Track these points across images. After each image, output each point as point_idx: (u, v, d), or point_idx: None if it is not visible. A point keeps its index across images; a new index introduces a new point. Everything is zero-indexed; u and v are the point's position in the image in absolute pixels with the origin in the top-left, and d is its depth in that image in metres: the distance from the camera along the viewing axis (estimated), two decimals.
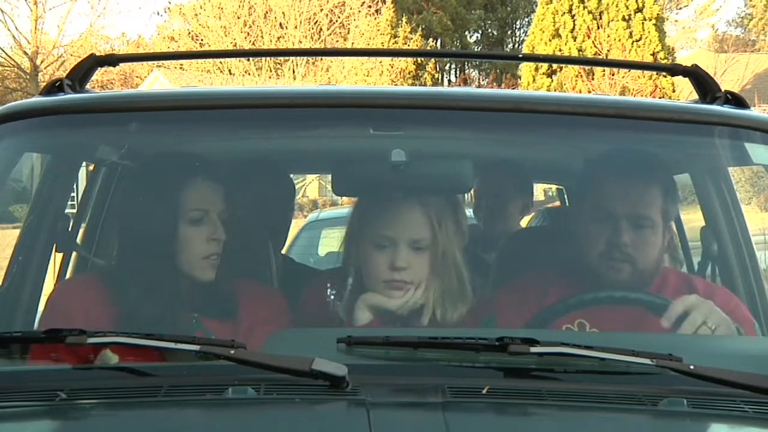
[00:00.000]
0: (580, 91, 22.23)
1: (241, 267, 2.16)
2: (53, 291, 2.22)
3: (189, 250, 2.01)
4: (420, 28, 34.53)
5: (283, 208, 2.95)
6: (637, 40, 25.63)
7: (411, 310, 2.06)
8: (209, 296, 2.04)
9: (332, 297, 2.19)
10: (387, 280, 2.05)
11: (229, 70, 26.65)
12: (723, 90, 2.09)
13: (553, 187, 4.84)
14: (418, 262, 2.06)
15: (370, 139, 2.16)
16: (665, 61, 22.59)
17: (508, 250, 2.74)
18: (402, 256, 2.04)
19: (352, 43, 27.31)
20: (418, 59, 33.28)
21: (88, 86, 2.13)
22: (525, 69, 27.99)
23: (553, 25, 26.51)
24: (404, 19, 33.49)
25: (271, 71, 27.04)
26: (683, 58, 31.94)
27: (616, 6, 25.68)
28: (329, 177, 2.51)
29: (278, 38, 26.96)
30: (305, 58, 26.35)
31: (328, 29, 27.66)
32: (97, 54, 2.19)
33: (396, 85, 27.34)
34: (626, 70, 22.82)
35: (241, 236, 2.24)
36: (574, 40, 26.04)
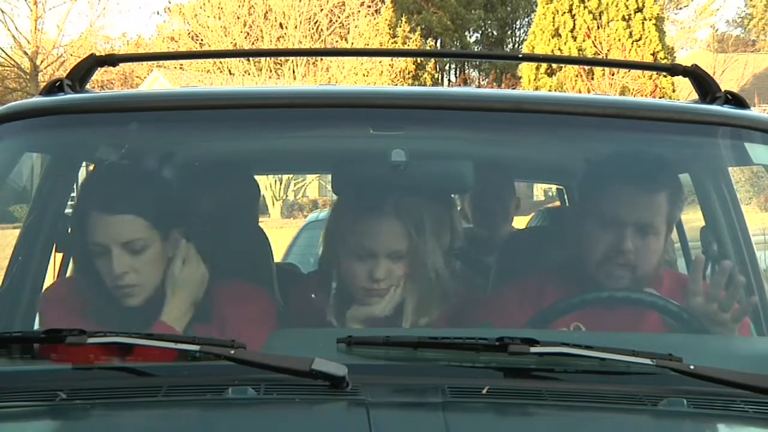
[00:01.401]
0: (580, 91, 22.23)
1: (223, 271, 2.15)
2: (46, 290, 2.24)
3: (103, 278, 1.97)
4: (420, 28, 34.55)
5: (246, 209, 2.92)
6: (637, 40, 25.62)
7: (395, 311, 2.06)
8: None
9: (317, 301, 2.21)
10: (366, 288, 2.07)
11: (229, 70, 26.69)
12: (723, 90, 2.09)
13: (554, 187, 4.83)
14: (396, 270, 2.07)
15: (370, 139, 2.16)
16: (665, 61, 22.58)
17: (507, 251, 2.74)
18: (381, 267, 2.06)
19: (352, 43, 27.35)
20: (418, 59, 33.28)
21: (88, 86, 2.13)
22: (525, 69, 27.97)
23: (553, 25, 26.50)
24: (404, 19, 33.51)
25: (271, 71, 27.06)
26: (683, 58, 31.96)
27: (616, 6, 25.67)
28: (329, 177, 2.51)
29: (278, 38, 27.00)
30: (305, 58, 26.38)
31: (328, 29, 27.69)
32: (97, 54, 2.19)
33: (396, 85, 27.35)
34: (626, 70, 22.83)
35: (217, 241, 2.24)
36: (574, 40, 26.03)
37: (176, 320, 1.95)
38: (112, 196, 1.97)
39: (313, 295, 2.19)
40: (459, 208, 3.41)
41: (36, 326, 2.13)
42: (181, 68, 28.04)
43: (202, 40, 27.88)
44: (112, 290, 1.97)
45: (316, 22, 27.55)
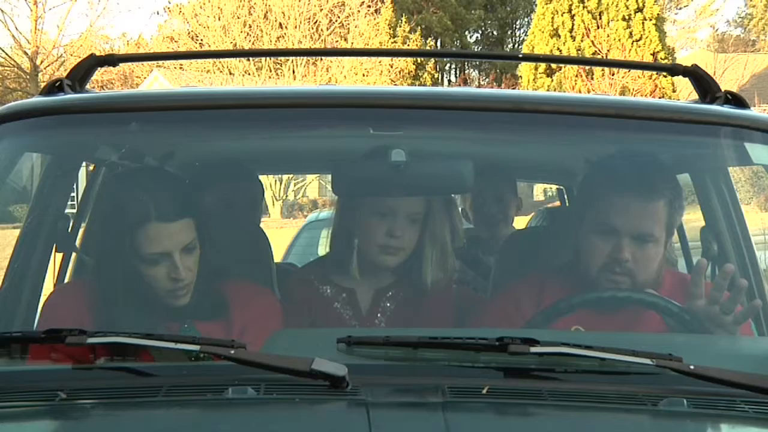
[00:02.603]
0: (580, 91, 22.23)
1: (229, 271, 2.16)
2: (50, 295, 2.23)
3: (152, 285, 1.98)
4: (419, 28, 34.56)
5: (253, 208, 2.96)
6: (637, 40, 25.64)
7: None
8: (197, 302, 2.03)
9: (328, 291, 2.24)
10: (382, 245, 2.21)
11: (229, 70, 26.70)
12: (723, 90, 2.09)
13: (554, 187, 4.84)
14: (411, 231, 2.23)
15: (370, 139, 2.16)
16: (665, 61, 22.58)
17: (507, 251, 2.74)
18: (399, 225, 2.20)
19: (352, 43, 27.35)
20: (418, 59, 33.29)
21: (88, 86, 2.13)
22: (525, 69, 27.99)
23: (552, 25, 26.51)
24: (404, 19, 33.52)
25: (271, 71, 27.07)
26: (683, 58, 31.96)
27: (616, 6, 25.68)
28: (329, 177, 2.51)
29: (278, 38, 27.00)
30: (305, 58, 26.37)
31: (327, 29, 27.69)
32: (97, 54, 2.19)
33: (396, 85, 27.35)
34: (626, 70, 22.83)
35: (230, 241, 2.25)
36: (573, 40, 26.05)
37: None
38: (164, 203, 1.98)
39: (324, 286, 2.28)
40: (461, 209, 3.42)
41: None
42: (181, 68, 28.04)
43: (201, 40, 27.88)
44: (164, 293, 1.98)
45: (316, 22, 27.55)
